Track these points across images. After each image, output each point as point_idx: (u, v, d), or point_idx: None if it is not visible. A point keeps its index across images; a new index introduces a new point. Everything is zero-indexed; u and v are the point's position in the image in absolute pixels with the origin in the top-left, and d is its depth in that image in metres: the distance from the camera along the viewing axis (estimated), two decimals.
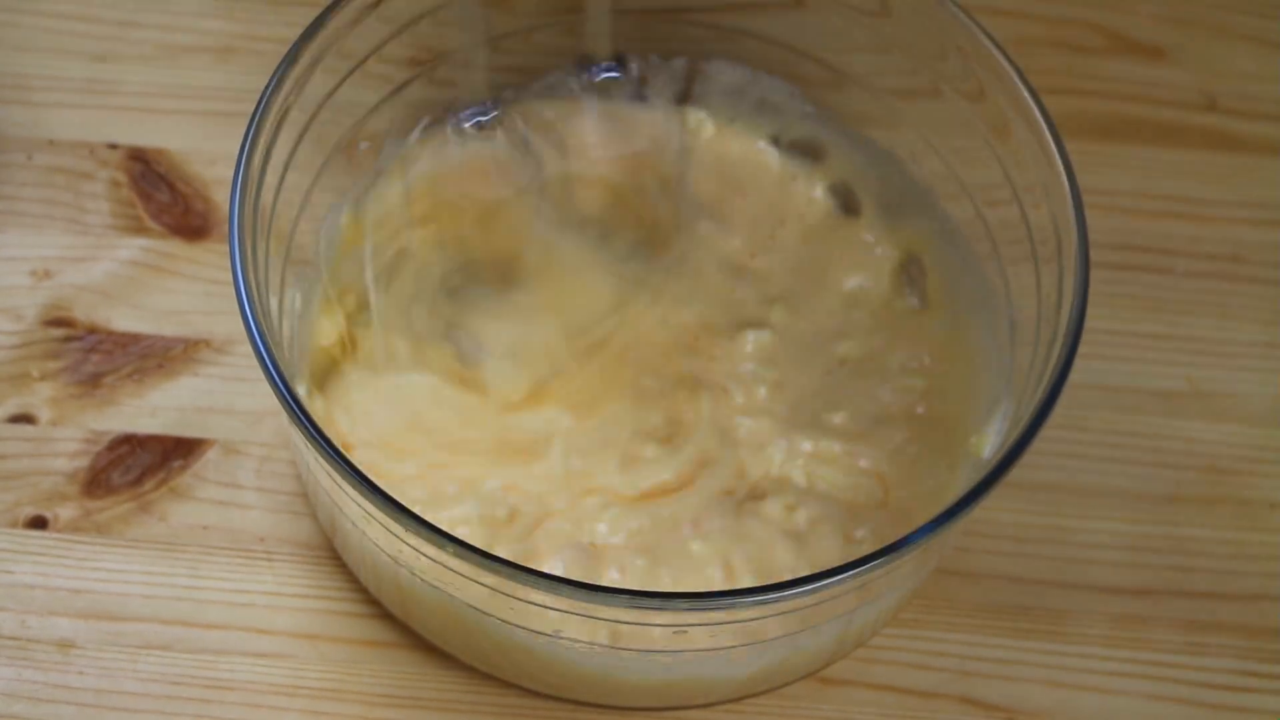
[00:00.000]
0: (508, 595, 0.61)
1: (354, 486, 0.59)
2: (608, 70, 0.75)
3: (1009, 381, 0.68)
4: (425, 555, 0.61)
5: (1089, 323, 0.70)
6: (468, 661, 0.68)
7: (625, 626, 0.61)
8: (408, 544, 0.61)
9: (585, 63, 0.74)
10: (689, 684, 0.66)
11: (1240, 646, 0.70)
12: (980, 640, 0.70)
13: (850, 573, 0.59)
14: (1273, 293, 0.76)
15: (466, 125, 0.73)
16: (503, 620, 0.63)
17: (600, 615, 0.60)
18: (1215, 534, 0.72)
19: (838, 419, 0.70)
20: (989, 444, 0.67)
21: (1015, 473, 0.61)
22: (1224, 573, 0.72)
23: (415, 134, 0.72)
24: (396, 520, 0.59)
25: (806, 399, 0.70)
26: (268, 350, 0.61)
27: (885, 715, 0.69)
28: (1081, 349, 0.63)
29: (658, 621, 0.61)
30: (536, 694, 0.68)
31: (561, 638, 0.63)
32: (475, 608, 0.63)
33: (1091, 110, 0.79)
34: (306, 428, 0.60)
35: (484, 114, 0.73)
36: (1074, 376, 0.63)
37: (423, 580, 0.64)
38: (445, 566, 0.61)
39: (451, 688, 0.69)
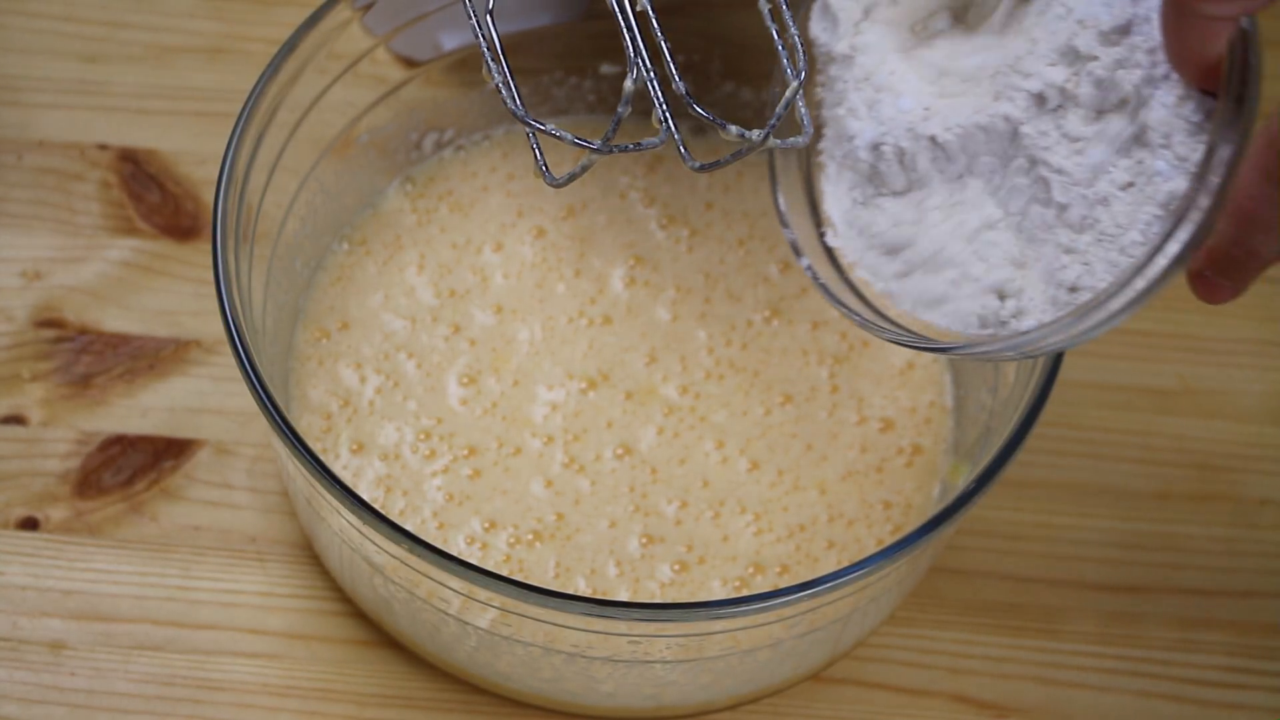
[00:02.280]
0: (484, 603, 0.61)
1: (319, 481, 0.60)
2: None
3: (994, 386, 0.67)
4: (389, 553, 0.61)
5: None
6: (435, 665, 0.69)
7: (597, 636, 0.61)
8: (373, 542, 0.61)
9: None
10: (668, 700, 0.66)
11: (1232, 643, 0.70)
12: (972, 638, 0.70)
13: (839, 580, 0.59)
14: (1264, 290, 0.76)
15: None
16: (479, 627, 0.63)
17: (588, 628, 0.60)
18: (1206, 531, 0.72)
19: None
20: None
21: (1007, 470, 0.61)
22: (1215, 570, 0.72)
23: None
24: (359, 515, 0.59)
25: None
26: (246, 352, 0.61)
27: (877, 713, 0.69)
28: None
29: (621, 632, 0.61)
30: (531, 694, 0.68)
31: (529, 643, 0.63)
32: (454, 615, 0.63)
33: None
34: (281, 427, 0.60)
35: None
36: (1064, 374, 0.63)
37: (394, 583, 0.64)
38: (410, 567, 0.61)
39: (444, 687, 0.69)
